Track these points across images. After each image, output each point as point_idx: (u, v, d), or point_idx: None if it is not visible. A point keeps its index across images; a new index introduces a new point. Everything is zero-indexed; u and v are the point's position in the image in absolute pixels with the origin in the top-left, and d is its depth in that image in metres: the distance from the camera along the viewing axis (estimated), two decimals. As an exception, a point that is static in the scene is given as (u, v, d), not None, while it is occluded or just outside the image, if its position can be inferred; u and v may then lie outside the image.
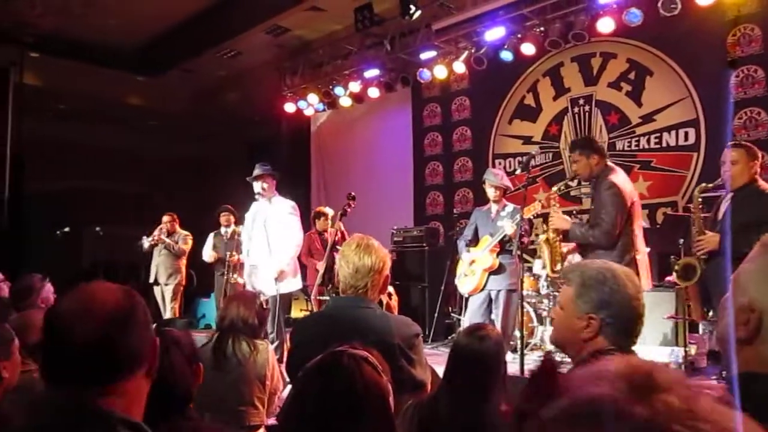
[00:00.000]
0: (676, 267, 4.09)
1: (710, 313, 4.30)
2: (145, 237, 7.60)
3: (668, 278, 5.41)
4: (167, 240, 7.51)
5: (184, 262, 7.72)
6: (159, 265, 7.59)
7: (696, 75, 6.67)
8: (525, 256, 4.95)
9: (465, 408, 2.10)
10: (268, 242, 5.12)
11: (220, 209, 7.51)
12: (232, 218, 7.32)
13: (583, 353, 1.66)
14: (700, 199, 4.02)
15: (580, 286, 1.67)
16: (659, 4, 6.18)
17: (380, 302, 2.37)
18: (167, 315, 7.45)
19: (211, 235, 7.61)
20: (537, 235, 4.88)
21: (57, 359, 1.14)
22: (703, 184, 4.09)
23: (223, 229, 7.42)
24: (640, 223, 4.14)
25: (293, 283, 5.30)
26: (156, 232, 7.57)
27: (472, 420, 2.06)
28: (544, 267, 5.06)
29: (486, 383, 2.14)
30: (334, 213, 7.29)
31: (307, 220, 7.39)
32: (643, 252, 4.09)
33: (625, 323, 1.64)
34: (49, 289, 4.17)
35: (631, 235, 3.99)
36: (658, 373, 0.49)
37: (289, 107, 9.76)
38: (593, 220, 4.06)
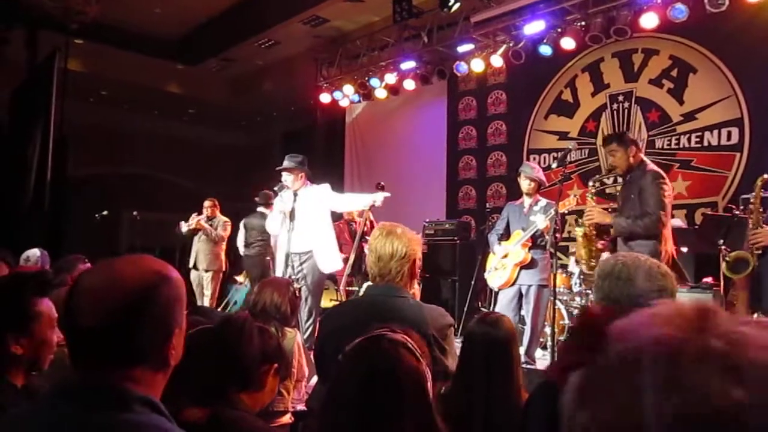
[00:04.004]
0: (728, 259, 3.91)
1: (755, 316, 4.13)
2: (183, 222, 7.56)
3: (705, 279, 5.29)
4: (206, 226, 7.50)
5: (223, 248, 7.70)
6: (198, 251, 7.59)
7: (742, 73, 6.48)
8: (558, 253, 4.87)
9: (477, 394, 2.09)
10: (312, 228, 5.17)
11: (265, 192, 7.20)
12: None
13: None
14: (763, 192, 3.87)
15: (597, 276, 1.72)
16: (706, 0, 6.02)
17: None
18: (205, 302, 7.39)
19: (243, 222, 7.49)
20: (575, 228, 4.80)
21: (70, 337, 1.10)
22: (766, 175, 3.94)
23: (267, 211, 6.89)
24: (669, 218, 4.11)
25: (338, 262, 5.39)
26: (194, 219, 7.53)
27: (485, 405, 2.06)
28: (578, 263, 4.97)
29: (495, 369, 2.12)
30: None
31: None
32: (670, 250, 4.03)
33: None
34: (84, 269, 4.28)
35: (665, 230, 3.96)
36: (710, 309, 0.49)
37: (325, 98, 9.81)
38: (636, 211, 3.98)
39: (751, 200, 3.88)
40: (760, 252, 3.66)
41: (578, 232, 4.54)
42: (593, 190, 4.38)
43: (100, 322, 1.04)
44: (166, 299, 1.09)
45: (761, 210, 3.76)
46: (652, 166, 4.08)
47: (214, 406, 1.62)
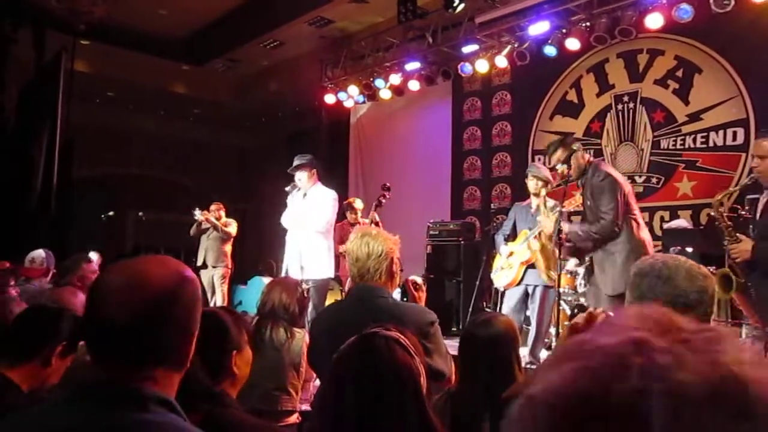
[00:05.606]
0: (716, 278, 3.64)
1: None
2: (198, 209, 7.80)
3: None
4: (214, 220, 7.77)
5: (229, 247, 7.92)
6: (207, 249, 7.82)
7: (748, 73, 6.46)
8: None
9: (474, 393, 2.11)
10: (309, 230, 5.19)
11: None
12: None
13: None
14: (721, 209, 3.62)
15: (634, 275, 1.69)
16: (711, 0, 6.01)
17: (406, 294, 2.39)
18: (218, 299, 7.63)
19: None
20: (530, 242, 4.84)
21: (93, 336, 1.10)
22: (730, 188, 3.74)
23: None
24: (637, 210, 4.12)
25: (327, 270, 5.35)
26: (203, 215, 7.76)
27: (487, 406, 2.07)
28: (540, 276, 4.93)
29: (489, 368, 2.13)
30: (363, 205, 7.33)
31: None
32: (648, 239, 4.02)
33: None
34: (88, 269, 4.29)
35: (631, 222, 3.96)
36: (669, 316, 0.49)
37: (330, 98, 9.81)
38: (593, 216, 4.00)
39: (716, 216, 3.57)
40: (747, 268, 3.36)
41: (534, 246, 4.58)
42: (550, 189, 4.44)
43: (126, 322, 1.04)
44: (188, 300, 1.10)
45: (730, 224, 3.50)
46: (600, 165, 4.05)
47: (204, 407, 1.62)
